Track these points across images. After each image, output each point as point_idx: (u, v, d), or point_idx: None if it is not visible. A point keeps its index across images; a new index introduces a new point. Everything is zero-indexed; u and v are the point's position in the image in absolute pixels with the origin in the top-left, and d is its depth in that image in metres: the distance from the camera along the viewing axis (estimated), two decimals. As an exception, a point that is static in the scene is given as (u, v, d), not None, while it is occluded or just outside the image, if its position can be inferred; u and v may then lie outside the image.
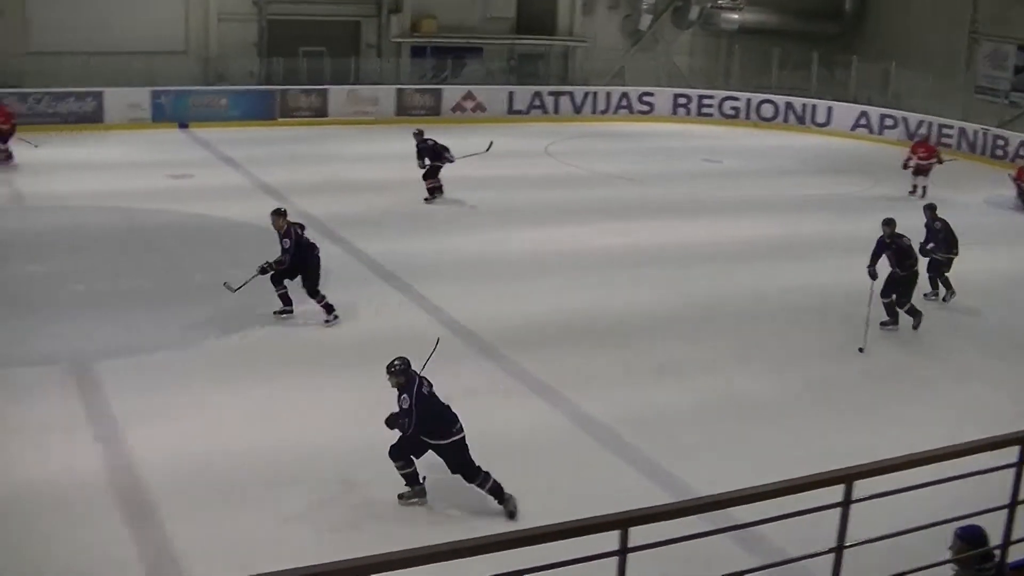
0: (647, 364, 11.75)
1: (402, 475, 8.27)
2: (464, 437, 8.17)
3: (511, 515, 8.16)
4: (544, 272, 14.96)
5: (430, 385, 8.18)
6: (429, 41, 29.90)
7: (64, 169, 20.22)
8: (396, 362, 8.12)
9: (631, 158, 24.27)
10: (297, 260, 12.05)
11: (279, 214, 12.14)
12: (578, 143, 26.00)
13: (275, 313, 12.32)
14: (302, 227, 12.33)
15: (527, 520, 7.83)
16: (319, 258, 12.33)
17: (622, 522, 4.12)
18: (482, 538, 3.96)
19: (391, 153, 20.82)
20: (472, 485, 8.22)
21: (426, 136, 18.40)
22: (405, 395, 8.02)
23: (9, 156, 20.18)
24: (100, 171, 20.27)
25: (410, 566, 3.59)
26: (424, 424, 8.05)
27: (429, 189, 18.39)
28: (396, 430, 8.18)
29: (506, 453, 8.90)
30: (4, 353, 11.20)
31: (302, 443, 9.24)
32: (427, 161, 18.17)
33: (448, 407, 8.24)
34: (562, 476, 9.00)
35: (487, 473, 8.21)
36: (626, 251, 16.19)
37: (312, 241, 12.37)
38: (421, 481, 8.34)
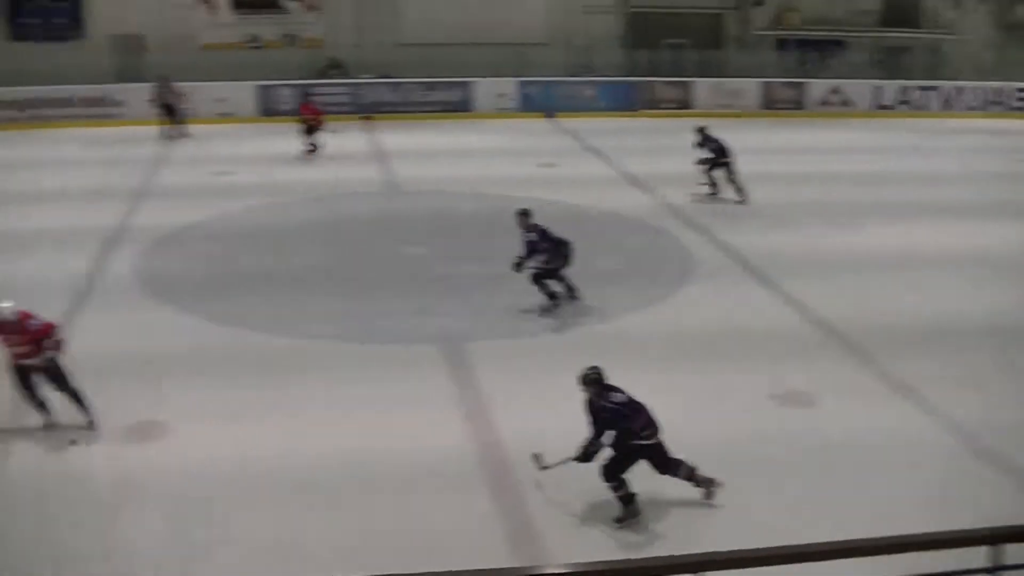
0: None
1: (618, 497, 7.85)
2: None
3: (708, 495, 8.03)
4: (905, 269, 14.21)
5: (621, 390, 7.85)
6: (792, 34, 29.30)
7: (438, 156, 21.66)
8: (589, 371, 7.77)
9: (1002, 158, 22.51)
10: (551, 255, 12.02)
11: (524, 214, 12.13)
12: (945, 140, 24.44)
13: (543, 310, 12.24)
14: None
15: (886, 526, 7.48)
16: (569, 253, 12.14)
17: (993, 537, 3.87)
18: (850, 541, 3.94)
19: (756, 147, 20.52)
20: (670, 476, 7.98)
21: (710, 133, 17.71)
22: (607, 401, 7.72)
23: (314, 149, 21.06)
24: (471, 158, 21.47)
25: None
26: (634, 423, 7.74)
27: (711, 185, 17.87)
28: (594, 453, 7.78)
29: (868, 456, 8.65)
30: (384, 330, 11.90)
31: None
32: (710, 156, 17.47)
33: (645, 408, 7.86)
34: (925, 482, 8.49)
35: (680, 461, 7.99)
36: (995, 253, 15.12)
37: (562, 237, 12.15)
38: (635, 501, 7.89)
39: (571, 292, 12.48)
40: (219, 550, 7.50)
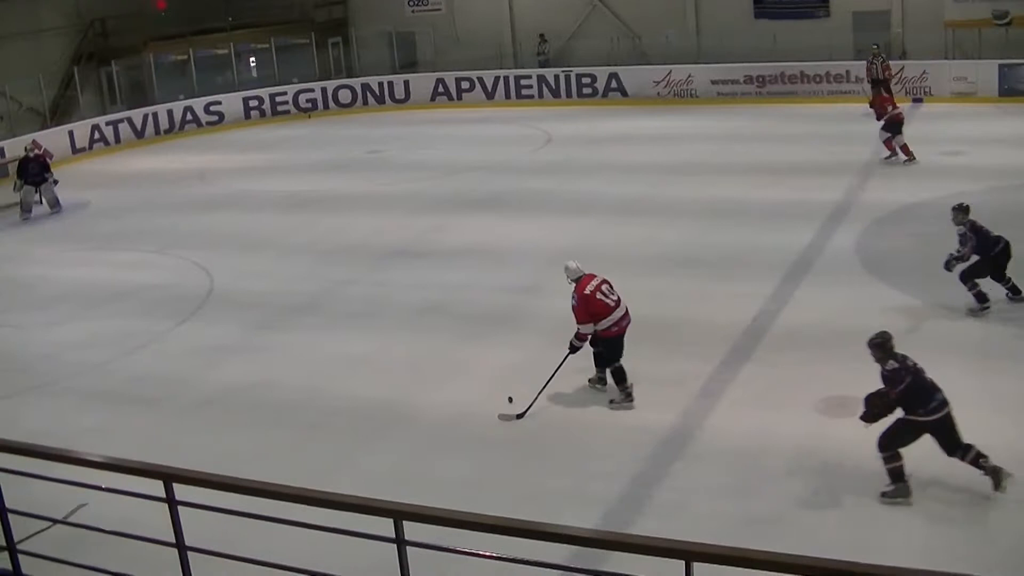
0: None
1: (888, 469, 7.85)
2: (950, 412, 7.69)
3: (996, 485, 7.71)
4: None
5: (915, 362, 7.81)
6: None
7: None
8: (875, 337, 7.86)
9: None
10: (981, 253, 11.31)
11: (960, 210, 11.49)
12: None
13: (970, 311, 11.44)
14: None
15: None
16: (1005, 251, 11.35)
17: None
18: None
19: None
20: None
21: None
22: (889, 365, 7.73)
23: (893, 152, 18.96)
24: None
25: None
26: (911, 399, 7.68)
27: None
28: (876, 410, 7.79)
29: None
30: None
31: None
32: None
33: (934, 383, 7.76)
34: None
35: (969, 445, 7.77)
36: None
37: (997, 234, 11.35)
38: (906, 478, 7.83)
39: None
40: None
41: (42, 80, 26.79)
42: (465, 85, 30.15)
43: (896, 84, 24.74)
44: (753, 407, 9.57)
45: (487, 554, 5.04)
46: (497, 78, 29.90)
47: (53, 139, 24.43)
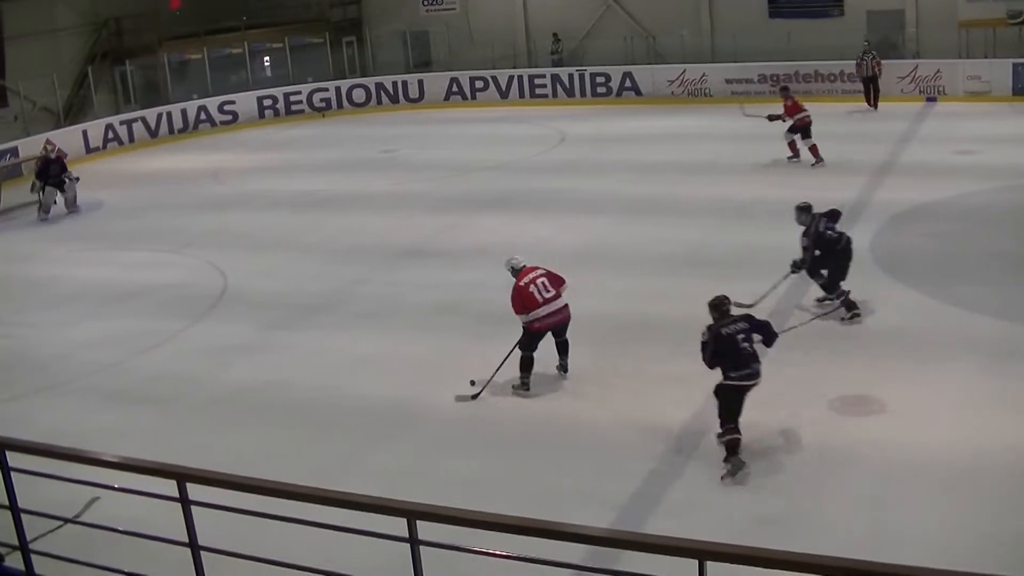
0: None
1: (723, 443, 8.46)
2: (745, 387, 8.43)
3: (731, 474, 8.33)
4: None
5: (743, 331, 8.50)
6: None
7: None
8: (718, 298, 8.74)
9: None
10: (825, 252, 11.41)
11: (802, 210, 11.58)
12: None
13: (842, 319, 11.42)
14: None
15: None
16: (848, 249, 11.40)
17: None
18: None
19: None
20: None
21: None
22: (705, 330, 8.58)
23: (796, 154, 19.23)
24: None
25: None
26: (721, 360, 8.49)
27: None
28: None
29: None
30: None
31: None
32: None
33: (751, 355, 8.47)
34: None
35: (731, 427, 8.39)
36: None
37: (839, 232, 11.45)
38: (739, 452, 8.43)
39: None
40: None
41: (56, 80, 26.88)
42: (479, 84, 30.13)
43: (910, 83, 24.70)
44: (766, 406, 9.51)
45: (500, 553, 5.03)
46: (511, 78, 29.88)
47: (67, 139, 24.51)
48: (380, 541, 4.86)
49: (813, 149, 18.80)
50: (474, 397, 10.34)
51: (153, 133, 27.90)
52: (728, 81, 27.11)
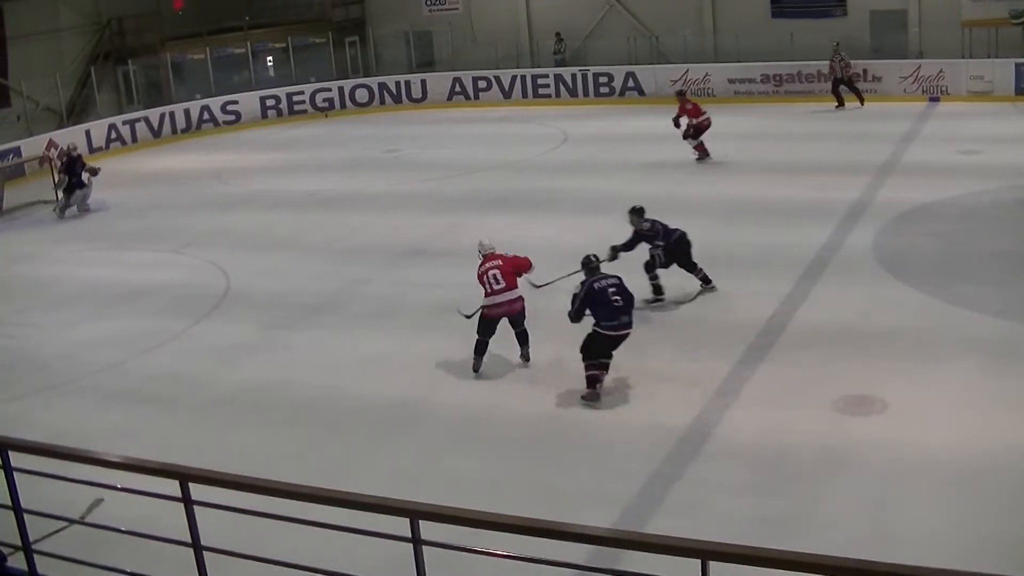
0: None
1: (586, 376, 9.76)
2: (617, 337, 9.71)
3: (588, 399, 9.77)
4: None
5: (614, 285, 9.73)
6: None
7: None
8: (587, 256, 10.03)
9: None
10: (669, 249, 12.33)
11: (634, 212, 12.50)
12: None
13: (645, 301, 12.21)
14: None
15: None
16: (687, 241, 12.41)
17: None
18: None
19: None
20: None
21: None
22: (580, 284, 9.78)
23: (706, 153, 19.93)
24: None
25: None
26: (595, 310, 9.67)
27: None
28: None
29: None
30: None
31: None
32: None
33: (621, 307, 9.68)
34: None
35: (593, 364, 9.72)
36: None
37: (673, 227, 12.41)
38: (597, 387, 9.75)
39: None
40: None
41: (59, 79, 26.91)
42: (482, 84, 30.14)
43: (913, 83, 24.68)
44: (770, 406, 9.54)
45: (503, 553, 5.03)
46: (514, 77, 29.89)
47: (70, 139, 24.47)
48: (383, 541, 4.86)
49: (699, 146, 19.76)
50: (468, 316, 11.01)
51: (156, 133, 27.94)
52: (731, 81, 27.09)
